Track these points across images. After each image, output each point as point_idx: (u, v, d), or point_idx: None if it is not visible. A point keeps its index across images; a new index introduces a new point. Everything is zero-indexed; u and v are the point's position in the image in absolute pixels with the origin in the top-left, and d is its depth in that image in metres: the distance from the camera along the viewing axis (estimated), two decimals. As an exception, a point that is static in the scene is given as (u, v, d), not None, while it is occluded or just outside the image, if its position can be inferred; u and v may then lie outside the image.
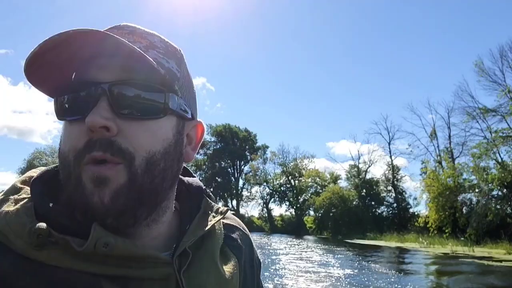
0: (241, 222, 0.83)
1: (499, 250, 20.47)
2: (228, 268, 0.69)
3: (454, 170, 29.68)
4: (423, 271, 13.08)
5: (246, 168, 62.08)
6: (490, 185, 26.14)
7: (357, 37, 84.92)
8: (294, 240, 32.76)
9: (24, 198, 0.58)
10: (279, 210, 59.21)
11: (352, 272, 11.91)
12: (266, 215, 58.23)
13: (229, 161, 61.64)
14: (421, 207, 37.20)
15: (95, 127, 0.53)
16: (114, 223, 0.55)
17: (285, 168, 55.56)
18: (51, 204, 0.57)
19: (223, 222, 0.76)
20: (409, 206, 40.68)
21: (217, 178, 60.74)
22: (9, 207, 0.56)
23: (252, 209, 71.16)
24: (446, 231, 27.63)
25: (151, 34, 0.63)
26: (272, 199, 58.31)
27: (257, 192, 60.56)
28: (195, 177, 0.79)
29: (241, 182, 61.44)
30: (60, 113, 0.59)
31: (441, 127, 37.20)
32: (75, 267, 0.53)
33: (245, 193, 61.53)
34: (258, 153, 60.64)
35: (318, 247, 23.76)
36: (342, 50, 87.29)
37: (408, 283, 10.09)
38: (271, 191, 58.10)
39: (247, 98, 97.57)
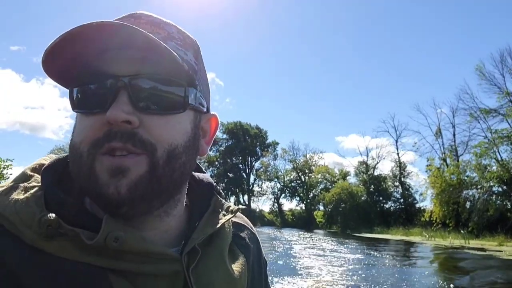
0: (249, 221, 0.84)
1: (492, 243, 22.10)
2: (236, 267, 0.69)
3: (457, 167, 31.16)
4: (417, 261, 14.83)
5: (257, 164, 64.01)
6: (490, 182, 27.62)
7: (366, 33, 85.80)
8: (305, 233, 34.56)
9: (34, 187, 0.57)
10: (289, 205, 61.05)
11: (357, 261, 13.69)
12: (277, 209, 60.08)
13: (240, 157, 63.39)
14: (427, 202, 38.61)
15: (117, 122, 0.52)
16: (130, 212, 0.54)
17: (295, 165, 57.36)
18: (61, 194, 0.56)
19: (232, 221, 0.76)
20: (415, 201, 42.19)
21: (228, 174, 62.63)
22: (18, 195, 0.55)
23: (263, 204, 73.21)
24: (450, 225, 29.16)
25: (168, 24, 0.62)
26: (283, 195, 60.30)
27: (268, 187, 62.58)
28: (205, 173, 0.78)
29: (252, 177, 63.42)
30: (77, 105, 0.57)
31: (446, 126, 38.50)
32: (83, 259, 0.52)
33: (256, 188, 63.51)
34: (269, 150, 62.44)
35: (327, 240, 25.52)
36: (351, 46, 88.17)
37: (403, 269, 11.93)
38: (282, 186, 60.06)
39: (256, 93, 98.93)
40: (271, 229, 44.16)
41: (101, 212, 0.55)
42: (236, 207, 0.72)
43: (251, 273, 0.73)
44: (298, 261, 13.29)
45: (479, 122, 31.10)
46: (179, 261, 0.58)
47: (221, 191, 0.75)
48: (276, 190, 60.99)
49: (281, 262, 12.70)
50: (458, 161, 32.84)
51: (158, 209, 0.59)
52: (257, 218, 56.28)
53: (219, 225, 0.67)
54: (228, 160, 63.01)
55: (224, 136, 63.21)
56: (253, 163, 63.96)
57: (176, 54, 0.53)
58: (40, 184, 0.57)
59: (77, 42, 0.52)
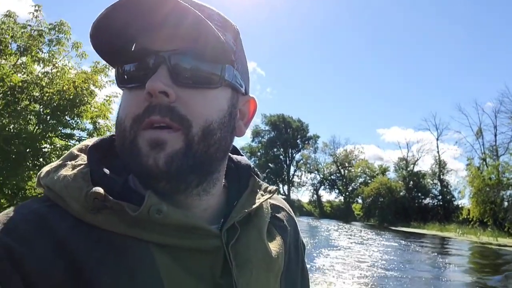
0: (287, 204, 0.84)
1: (504, 238, 23.79)
2: (274, 247, 0.69)
3: (496, 168, 32.07)
4: (446, 253, 16.91)
5: (297, 156, 66.13)
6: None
7: (417, 24, 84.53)
8: (344, 225, 36.88)
9: (81, 164, 0.60)
10: (328, 196, 62.67)
11: (390, 250, 16.07)
12: (316, 201, 62.21)
13: (281, 149, 65.66)
14: (465, 200, 39.37)
15: (154, 92, 0.54)
16: (167, 186, 0.57)
17: (335, 158, 59.10)
18: (106, 171, 0.59)
19: (270, 202, 0.77)
20: (453, 199, 42.83)
21: (270, 164, 65.10)
22: (67, 171, 0.58)
23: (303, 195, 75.38)
24: (488, 223, 30.39)
25: (208, 8, 0.63)
26: (322, 187, 62.25)
27: (307, 179, 64.68)
28: (243, 155, 0.79)
29: (292, 169, 65.63)
30: (121, 81, 0.60)
31: (488, 126, 38.92)
32: (127, 232, 0.54)
33: (296, 179, 65.81)
34: (310, 143, 64.40)
35: (365, 231, 27.80)
36: (396, 37, 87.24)
37: (430, 260, 14.16)
38: (321, 179, 62.02)
39: (297, 83, 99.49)
40: (310, 219, 46.58)
41: (143, 190, 0.58)
42: (275, 188, 0.74)
43: (287, 254, 0.74)
44: (337, 247, 15.73)
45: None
46: (219, 237, 0.60)
47: (258, 172, 0.76)
48: (316, 182, 63.05)
49: (321, 248, 14.92)
50: (498, 161, 33.60)
51: (197, 187, 0.61)
52: (296, 208, 58.51)
53: (257, 204, 0.68)
54: (270, 151, 65.52)
55: (267, 127, 65.79)
56: (294, 155, 66.13)
57: (216, 30, 0.54)
58: (86, 162, 0.60)
59: (122, 16, 0.54)
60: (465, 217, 34.28)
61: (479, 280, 10.08)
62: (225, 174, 0.69)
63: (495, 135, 35.68)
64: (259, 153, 65.63)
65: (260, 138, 66.16)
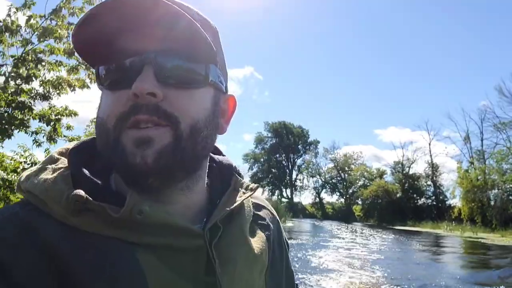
0: (269, 204, 0.84)
1: (496, 235, 27.00)
2: (257, 244, 0.69)
3: (483, 170, 35.54)
4: (428, 244, 20.15)
5: (299, 161, 69.30)
6: (507, 184, 32.13)
7: (415, 26, 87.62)
8: (345, 225, 40.07)
9: (61, 168, 0.59)
10: (330, 199, 65.77)
11: (385, 244, 19.17)
12: (318, 203, 65.33)
13: (284, 154, 68.63)
14: (457, 200, 42.71)
15: (142, 93, 0.53)
16: (155, 182, 0.56)
17: (336, 163, 62.42)
18: (87, 173, 0.58)
19: (252, 202, 0.77)
20: (446, 199, 45.95)
21: (272, 169, 68.18)
22: (47, 175, 0.57)
23: (305, 199, 78.25)
24: (477, 221, 33.65)
25: (188, 7, 0.62)
26: (324, 190, 65.45)
27: (309, 182, 67.88)
28: (225, 155, 0.79)
29: (294, 173, 68.66)
30: (102, 82, 0.59)
31: (476, 132, 42.47)
32: (110, 234, 0.54)
33: (298, 183, 68.91)
34: (311, 148, 67.64)
35: (365, 230, 30.97)
36: (392, 38, 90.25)
37: (414, 249, 17.30)
38: (323, 182, 65.22)
39: (295, 86, 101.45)
40: (314, 220, 49.87)
41: (126, 190, 0.57)
42: (256, 185, 0.74)
43: (271, 251, 0.74)
44: (340, 243, 18.81)
45: (500, 133, 35.49)
46: (202, 236, 0.59)
47: (240, 172, 0.77)
48: (318, 186, 66.28)
49: (323, 244, 17.14)
50: (485, 164, 37.06)
51: (181, 182, 0.62)
52: (299, 210, 61.36)
53: (239, 202, 0.68)
54: (272, 157, 68.51)
55: (269, 134, 68.93)
56: (296, 160, 69.33)
57: (201, 30, 0.54)
58: (67, 165, 0.60)
59: (105, 16, 0.53)
60: (457, 215, 37.54)
61: (457, 262, 13.37)
62: (208, 173, 0.70)
63: (482, 140, 39.15)
64: (262, 159, 68.54)
65: (263, 145, 69.26)
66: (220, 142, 0.72)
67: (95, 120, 0.59)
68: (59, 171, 0.59)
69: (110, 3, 0.52)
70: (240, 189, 0.72)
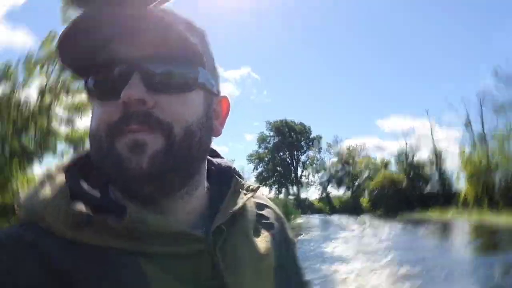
0: (271, 202, 0.83)
1: (497, 217, 27.51)
2: (262, 244, 0.69)
3: (485, 153, 36.08)
4: (437, 231, 20.81)
5: (303, 158, 69.64)
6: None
7: (414, 18, 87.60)
8: (354, 217, 40.41)
9: (59, 183, 0.59)
10: (336, 193, 66.11)
11: (392, 232, 19.85)
12: (325, 198, 65.68)
13: (287, 152, 68.98)
14: (462, 185, 43.15)
15: (131, 100, 0.53)
16: (152, 189, 0.56)
17: (340, 157, 62.91)
18: (85, 186, 0.59)
19: (254, 201, 0.77)
20: (451, 185, 46.08)
21: (277, 168, 68.60)
22: (45, 192, 0.57)
23: (312, 194, 78.46)
24: (483, 204, 34.08)
25: (172, 12, 0.62)
26: (330, 184, 65.83)
27: (315, 178, 68.16)
28: (223, 157, 0.79)
29: (299, 170, 68.95)
30: (92, 95, 0.58)
31: (477, 117, 42.82)
32: (112, 245, 0.54)
33: (304, 179, 69.13)
34: (314, 144, 68.11)
35: (373, 221, 31.68)
36: (390, 30, 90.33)
37: (419, 236, 18.01)
38: (328, 177, 65.56)
39: (293, 83, 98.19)
40: (322, 215, 50.33)
41: (124, 200, 0.57)
42: (257, 185, 0.74)
43: (277, 251, 0.72)
44: (349, 235, 19.54)
45: (497, 117, 35.89)
46: (205, 241, 0.59)
47: (240, 173, 0.76)
48: (324, 180, 66.54)
49: (335, 236, 18.38)
50: (487, 147, 37.53)
51: (181, 189, 0.61)
52: (307, 206, 61.57)
53: (241, 203, 0.68)
54: (276, 155, 68.92)
55: (272, 133, 69.30)
56: (300, 157, 69.63)
57: (186, 33, 0.54)
58: (64, 180, 0.59)
59: (89, 26, 0.52)
60: (463, 200, 37.84)
61: (466, 247, 14.19)
62: (207, 176, 0.69)
63: (482, 123, 39.55)
64: (266, 159, 68.93)
65: (266, 144, 69.67)
66: (221, 143, 0.96)
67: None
68: (57, 186, 0.58)
69: (88, 13, 0.52)
70: (241, 190, 0.73)
